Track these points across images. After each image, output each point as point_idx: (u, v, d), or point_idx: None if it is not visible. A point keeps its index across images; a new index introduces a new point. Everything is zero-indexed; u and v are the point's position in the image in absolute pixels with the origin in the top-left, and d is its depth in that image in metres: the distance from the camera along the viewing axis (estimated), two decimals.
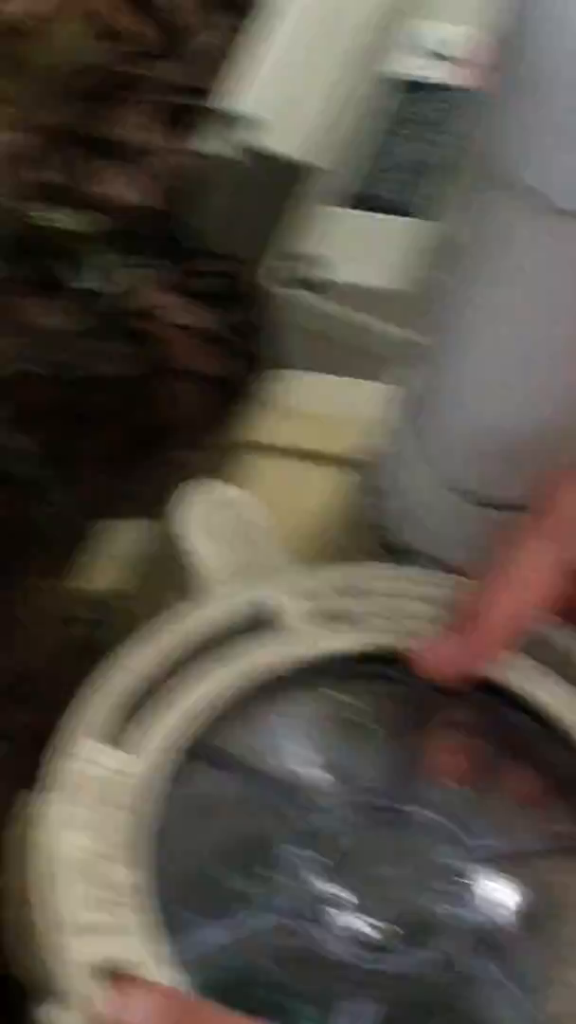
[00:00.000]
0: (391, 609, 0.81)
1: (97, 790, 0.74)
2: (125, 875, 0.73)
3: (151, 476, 1.35)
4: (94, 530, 1.19)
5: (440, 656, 0.79)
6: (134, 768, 0.75)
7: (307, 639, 0.80)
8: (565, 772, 0.79)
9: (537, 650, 0.81)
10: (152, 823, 0.74)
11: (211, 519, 0.88)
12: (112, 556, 1.17)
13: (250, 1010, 0.75)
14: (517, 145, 0.78)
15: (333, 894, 0.77)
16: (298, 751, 0.81)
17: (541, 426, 0.84)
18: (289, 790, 0.78)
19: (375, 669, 0.80)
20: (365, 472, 0.92)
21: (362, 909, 0.76)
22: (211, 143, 1.17)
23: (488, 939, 0.76)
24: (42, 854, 0.73)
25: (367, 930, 0.77)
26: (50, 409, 1.40)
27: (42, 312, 1.45)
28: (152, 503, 1.08)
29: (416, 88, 1.12)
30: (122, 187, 1.53)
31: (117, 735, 0.75)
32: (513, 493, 0.83)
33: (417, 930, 0.77)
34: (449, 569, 0.84)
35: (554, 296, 0.80)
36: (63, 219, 1.47)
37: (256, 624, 0.81)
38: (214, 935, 0.75)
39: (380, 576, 0.82)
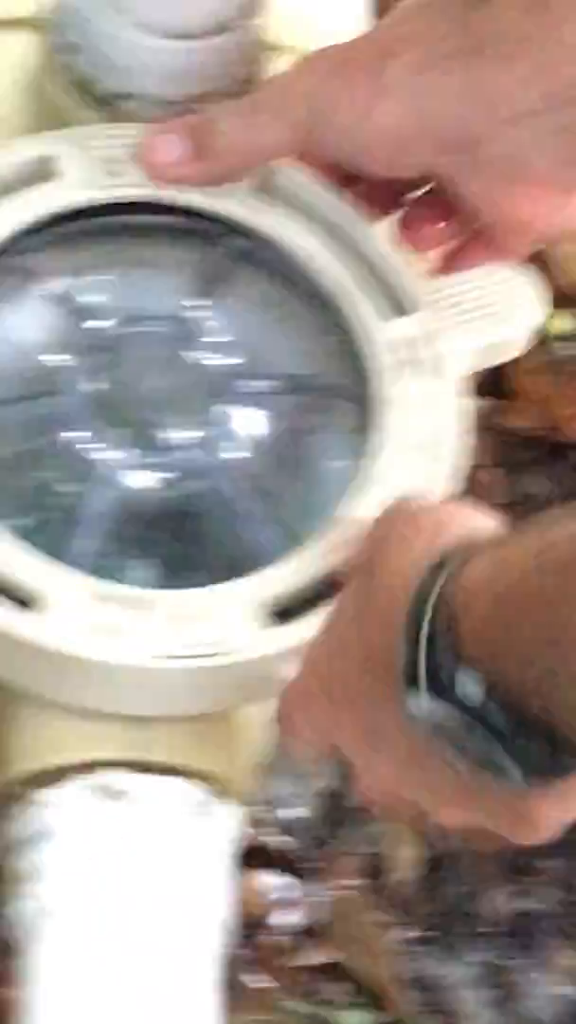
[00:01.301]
0: None
1: None
2: None
3: None
4: None
5: (171, 157, 0.87)
6: None
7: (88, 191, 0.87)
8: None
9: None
10: None
11: None
12: None
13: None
14: None
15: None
16: (79, 281, 0.88)
17: None
18: (76, 310, 0.86)
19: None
20: (56, 30, 0.92)
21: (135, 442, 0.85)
22: None
23: (246, 466, 0.85)
24: None
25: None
26: None
27: None
28: None
29: None
30: None
31: None
32: (192, 23, 0.88)
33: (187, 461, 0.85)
34: (160, 103, 0.89)
35: None
36: None
37: (42, 177, 0.87)
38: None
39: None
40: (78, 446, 0.84)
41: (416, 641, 0.71)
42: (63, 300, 0.87)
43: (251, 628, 0.79)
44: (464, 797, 0.75)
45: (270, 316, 0.90)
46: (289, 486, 0.87)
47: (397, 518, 0.79)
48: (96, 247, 0.90)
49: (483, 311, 0.89)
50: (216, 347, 0.87)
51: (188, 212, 0.89)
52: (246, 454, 0.86)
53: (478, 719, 0.70)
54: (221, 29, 0.88)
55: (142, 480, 0.84)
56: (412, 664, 0.71)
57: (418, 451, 0.83)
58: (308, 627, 0.78)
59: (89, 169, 0.88)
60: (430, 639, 0.70)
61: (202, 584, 0.81)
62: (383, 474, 0.83)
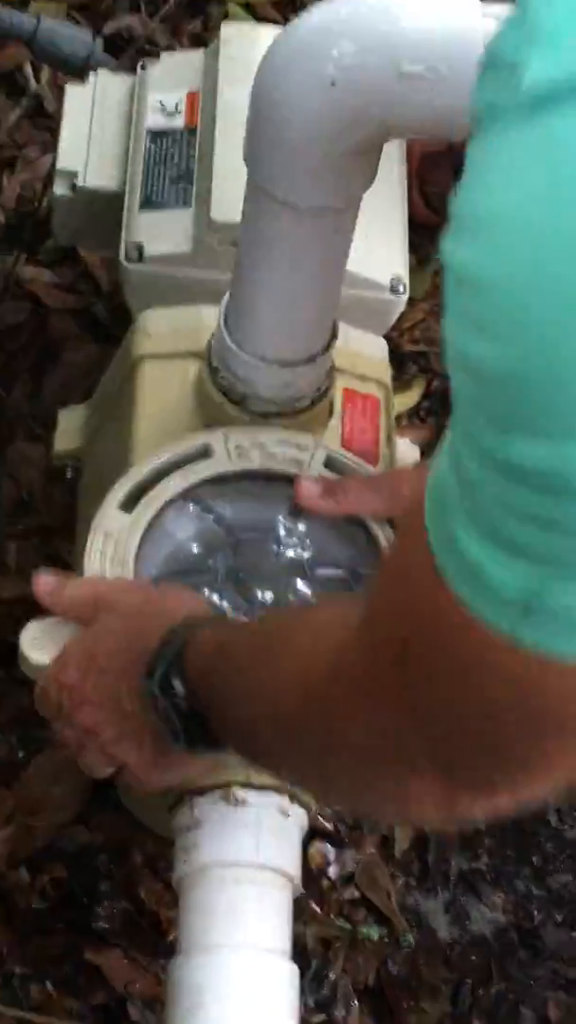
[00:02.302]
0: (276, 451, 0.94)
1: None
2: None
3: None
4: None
5: (313, 495, 0.93)
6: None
7: (230, 463, 0.94)
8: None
9: None
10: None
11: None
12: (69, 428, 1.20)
13: None
14: (249, 153, 0.83)
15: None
16: (228, 508, 0.94)
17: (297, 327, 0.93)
18: (218, 519, 0.93)
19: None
20: (211, 358, 0.96)
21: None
22: (57, 186, 1.15)
23: None
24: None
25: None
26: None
27: None
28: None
29: (157, 135, 1.10)
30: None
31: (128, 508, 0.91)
32: (296, 356, 0.93)
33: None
34: (276, 405, 0.96)
35: (290, 260, 0.87)
36: None
37: (203, 455, 0.94)
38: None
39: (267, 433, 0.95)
40: (212, 599, 0.91)
41: (160, 653, 0.77)
42: (211, 512, 0.94)
43: None
44: (151, 749, 0.80)
45: (331, 530, 0.94)
46: None
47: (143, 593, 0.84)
48: (234, 486, 0.95)
49: None
50: (297, 545, 0.94)
51: (283, 476, 0.95)
52: None
53: (174, 703, 0.76)
54: (309, 359, 0.93)
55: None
56: (153, 661, 0.77)
57: None
58: None
59: (224, 452, 0.94)
60: (169, 656, 0.77)
61: None
62: None
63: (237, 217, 0.91)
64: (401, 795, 0.63)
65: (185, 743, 0.79)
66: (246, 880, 0.86)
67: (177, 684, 0.77)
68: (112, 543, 0.91)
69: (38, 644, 0.88)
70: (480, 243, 0.46)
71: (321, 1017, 1.14)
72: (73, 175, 1.15)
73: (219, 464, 0.95)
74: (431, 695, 0.57)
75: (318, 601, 0.87)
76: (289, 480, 0.95)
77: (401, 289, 1.09)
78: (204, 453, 0.95)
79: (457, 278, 0.48)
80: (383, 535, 0.94)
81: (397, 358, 1.12)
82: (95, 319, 1.38)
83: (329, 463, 0.96)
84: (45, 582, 0.88)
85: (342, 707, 0.63)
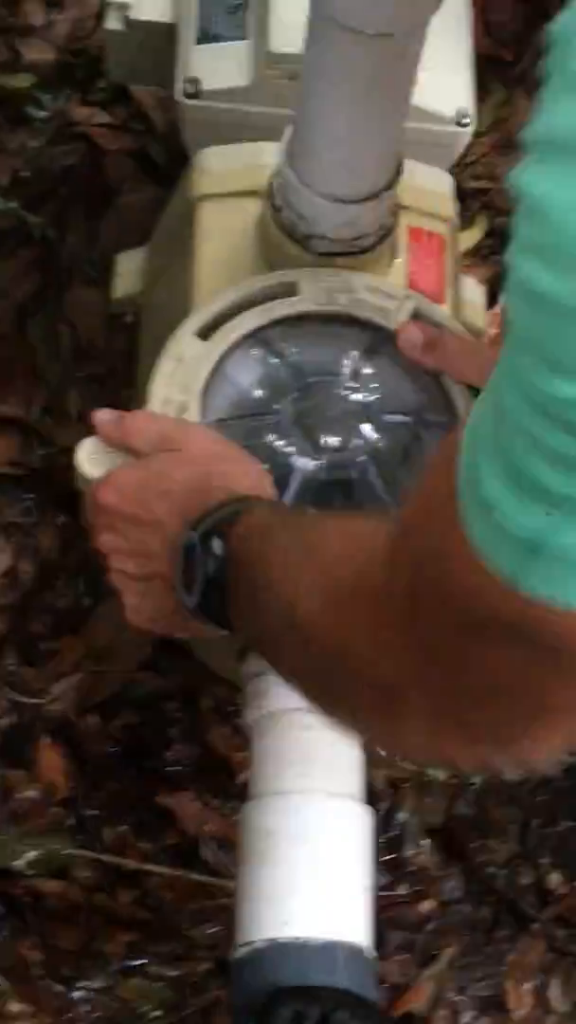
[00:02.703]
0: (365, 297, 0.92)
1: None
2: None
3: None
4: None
5: (415, 343, 0.91)
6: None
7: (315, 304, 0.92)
8: None
9: None
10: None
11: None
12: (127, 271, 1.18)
13: None
14: None
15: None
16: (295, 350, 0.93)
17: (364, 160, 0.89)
18: (287, 363, 0.92)
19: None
20: (273, 196, 0.94)
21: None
22: (109, 20, 1.11)
23: (378, 455, 0.90)
24: None
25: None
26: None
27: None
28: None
29: None
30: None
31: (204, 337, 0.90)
32: (361, 192, 0.90)
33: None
34: (339, 245, 0.93)
35: (355, 91, 0.83)
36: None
37: (290, 292, 0.93)
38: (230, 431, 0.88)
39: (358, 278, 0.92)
40: (277, 444, 0.90)
41: (213, 512, 0.76)
42: (279, 355, 0.92)
43: None
44: (157, 597, 0.81)
45: (401, 377, 0.93)
46: (402, 476, 0.90)
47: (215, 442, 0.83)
48: (304, 328, 0.93)
49: None
50: (365, 390, 0.92)
51: (362, 321, 0.93)
52: (378, 455, 0.90)
53: (206, 563, 0.75)
54: (373, 196, 0.90)
55: (314, 466, 0.89)
56: (204, 518, 0.77)
57: None
58: None
59: (313, 292, 0.93)
60: (221, 518, 0.76)
61: None
62: None
63: (296, 48, 0.88)
64: (392, 723, 0.63)
65: (198, 607, 0.78)
66: (317, 725, 0.84)
67: (217, 546, 0.76)
68: (183, 369, 0.89)
69: (95, 460, 0.87)
70: (557, 171, 0.44)
71: (391, 856, 1.15)
72: (126, 8, 1.11)
73: (304, 303, 0.92)
74: (433, 626, 0.56)
75: (361, 513, 0.85)
76: (365, 325, 0.93)
77: (466, 121, 1.07)
78: (289, 291, 0.93)
79: (529, 208, 0.46)
80: (455, 387, 0.92)
81: (459, 195, 1.06)
82: (151, 160, 1.34)
83: (418, 316, 0.94)
84: (105, 413, 0.86)
85: (357, 617, 0.62)
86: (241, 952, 0.80)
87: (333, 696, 0.68)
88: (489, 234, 1.38)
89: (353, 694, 0.65)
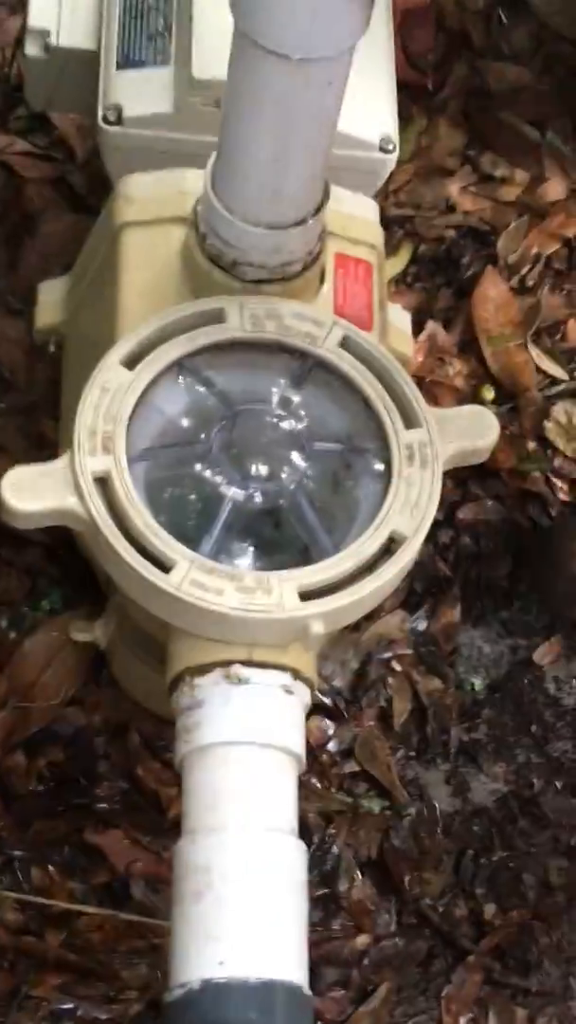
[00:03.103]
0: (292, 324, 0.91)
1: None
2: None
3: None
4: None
5: None
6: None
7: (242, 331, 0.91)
8: None
9: None
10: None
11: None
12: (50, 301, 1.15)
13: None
14: (236, 2, 0.78)
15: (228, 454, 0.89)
16: (222, 378, 0.92)
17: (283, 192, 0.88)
18: (215, 392, 0.90)
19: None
20: (199, 223, 0.92)
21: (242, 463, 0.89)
22: (29, 47, 1.09)
23: (308, 484, 0.88)
24: None
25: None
26: None
27: None
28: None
29: None
30: None
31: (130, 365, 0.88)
32: (287, 218, 0.89)
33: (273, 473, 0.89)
34: (266, 271, 0.91)
35: (280, 116, 0.82)
36: None
37: (216, 320, 0.91)
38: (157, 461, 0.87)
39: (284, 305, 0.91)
40: (205, 473, 0.89)
41: None
42: (206, 383, 0.91)
43: (295, 600, 0.83)
44: None
45: (330, 405, 0.92)
46: (332, 504, 0.90)
47: None
48: (231, 356, 0.92)
49: (462, 430, 0.91)
50: (294, 417, 0.91)
51: (290, 348, 0.92)
52: (307, 483, 0.89)
53: None
54: (300, 222, 0.89)
55: (243, 495, 0.88)
56: None
57: (412, 504, 0.87)
58: (329, 603, 0.83)
59: (240, 319, 0.91)
60: None
61: (278, 565, 0.86)
62: (390, 511, 0.86)
63: (220, 74, 0.87)
64: None
65: None
66: (250, 759, 0.84)
67: None
68: (109, 398, 0.88)
69: (19, 492, 0.85)
70: None
71: (325, 891, 1.14)
72: (46, 34, 1.10)
73: (231, 330, 0.91)
74: None
75: None
76: (293, 352, 0.92)
77: (391, 148, 1.07)
78: (216, 318, 0.92)
79: None
80: (384, 409, 0.91)
81: (383, 223, 1.06)
82: (71, 188, 1.33)
83: (345, 343, 0.93)
84: None
85: None
86: (175, 993, 0.78)
87: None
88: (414, 261, 1.38)
89: None
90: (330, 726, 1.18)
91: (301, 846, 0.83)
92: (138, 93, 1.03)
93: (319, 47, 0.79)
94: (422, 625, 1.24)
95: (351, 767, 1.17)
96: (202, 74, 1.00)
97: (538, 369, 1.34)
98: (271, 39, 0.78)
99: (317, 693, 1.05)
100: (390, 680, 1.21)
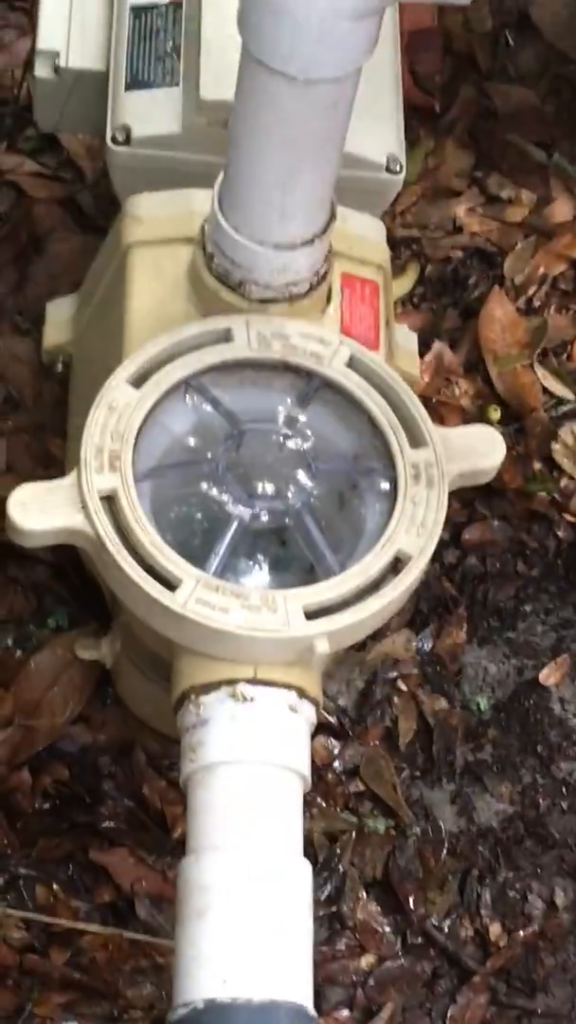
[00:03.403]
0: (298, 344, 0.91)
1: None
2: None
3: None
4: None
5: None
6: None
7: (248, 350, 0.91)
8: None
9: None
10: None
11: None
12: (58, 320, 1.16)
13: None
14: (244, 23, 0.78)
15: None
16: (229, 397, 0.92)
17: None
18: (222, 412, 0.91)
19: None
20: (207, 243, 0.92)
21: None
22: (39, 68, 1.09)
23: (313, 503, 0.89)
24: None
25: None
26: None
27: None
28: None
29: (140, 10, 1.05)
30: None
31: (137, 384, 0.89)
32: (295, 239, 0.89)
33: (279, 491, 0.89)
34: (273, 291, 0.91)
35: (287, 137, 0.82)
36: None
37: (223, 339, 0.92)
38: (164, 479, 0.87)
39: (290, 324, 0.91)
40: (211, 492, 0.89)
41: None
42: (213, 402, 0.91)
43: (300, 618, 0.83)
44: None
45: (336, 424, 0.92)
46: (338, 524, 0.90)
47: None
48: (238, 375, 0.92)
49: (468, 450, 0.91)
50: (300, 437, 0.92)
51: (296, 368, 0.92)
52: (313, 502, 0.89)
53: None
54: (307, 242, 0.89)
55: (249, 514, 0.88)
56: None
57: (418, 524, 0.87)
58: (334, 622, 0.83)
59: (247, 339, 0.92)
60: None
61: (283, 584, 0.86)
62: (396, 531, 0.86)
63: (227, 95, 0.87)
64: None
65: None
66: (255, 778, 0.84)
67: None
68: (116, 417, 0.88)
69: (27, 510, 0.85)
70: None
71: (330, 910, 1.13)
72: (55, 55, 1.10)
73: (238, 350, 0.92)
74: None
75: None
76: (299, 372, 0.92)
77: (398, 168, 1.07)
78: (223, 338, 0.92)
79: None
80: (390, 429, 0.91)
81: (390, 243, 1.06)
82: (80, 208, 1.33)
83: (352, 362, 0.93)
84: None
85: None
86: (179, 1013, 0.78)
87: None
88: (420, 282, 1.38)
89: None
90: (335, 745, 1.18)
91: (306, 865, 0.83)
92: (146, 113, 1.04)
93: (325, 68, 0.79)
94: (428, 645, 1.23)
95: (356, 786, 1.17)
96: (210, 95, 1.00)
97: (544, 390, 1.34)
98: (278, 60, 0.79)
99: (322, 712, 1.06)
100: (395, 700, 1.21)
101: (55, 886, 1.10)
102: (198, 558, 0.85)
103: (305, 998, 0.79)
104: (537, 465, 1.31)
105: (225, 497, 0.89)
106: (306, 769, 0.86)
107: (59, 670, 1.14)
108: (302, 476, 0.90)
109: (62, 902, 1.09)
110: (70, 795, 1.12)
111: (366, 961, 1.13)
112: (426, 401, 0.99)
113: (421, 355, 1.24)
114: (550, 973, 1.15)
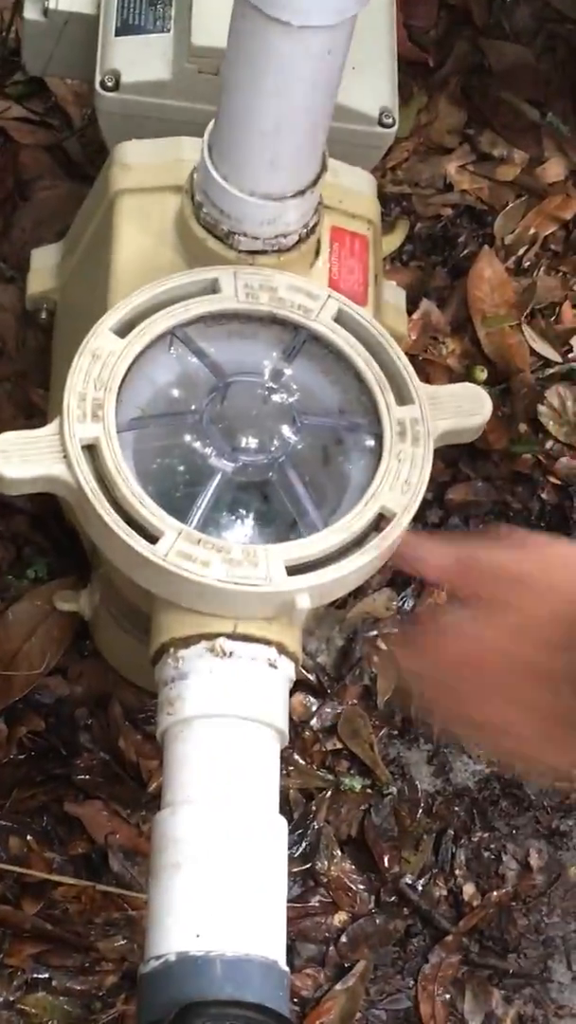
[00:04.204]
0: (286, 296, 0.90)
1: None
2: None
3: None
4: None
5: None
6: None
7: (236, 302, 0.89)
8: None
9: None
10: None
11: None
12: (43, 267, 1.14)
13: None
14: None
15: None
16: (214, 349, 0.90)
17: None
18: (208, 363, 0.89)
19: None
20: (194, 192, 0.91)
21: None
22: (28, 10, 1.08)
23: (298, 457, 0.87)
24: None
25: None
26: None
27: None
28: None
29: None
30: None
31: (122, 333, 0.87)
32: (285, 189, 0.88)
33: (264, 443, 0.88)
34: (261, 243, 0.90)
35: (280, 85, 0.81)
36: None
37: (210, 290, 0.90)
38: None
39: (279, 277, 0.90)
40: (195, 444, 0.88)
41: None
42: (198, 353, 0.90)
43: (282, 573, 0.82)
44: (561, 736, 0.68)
45: (322, 379, 0.91)
46: (322, 479, 0.89)
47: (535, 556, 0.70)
48: (224, 326, 0.91)
49: (454, 408, 0.90)
50: (286, 390, 0.90)
51: (283, 321, 0.90)
52: (297, 457, 0.88)
53: None
54: (297, 193, 0.88)
55: (232, 467, 0.87)
56: None
57: (402, 481, 0.86)
58: (316, 578, 0.82)
59: (234, 290, 0.90)
60: None
61: (266, 539, 0.86)
62: (380, 487, 0.85)
63: (219, 42, 0.85)
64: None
65: None
66: (233, 732, 0.83)
67: None
68: (99, 365, 0.87)
69: (10, 458, 0.84)
70: None
71: (304, 867, 1.13)
72: None
73: (225, 301, 0.90)
74: None
75: None
76: (286, 325, 0.91)
77: (390, 122, 1.06)
78: (210, 288, 0.91)
79: None
80: (376, 385, 0.90)
81: (380, 200, 1.05)
82: (67, 155, 1.32)
83: (339, 316, 0.92)
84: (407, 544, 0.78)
85: None
86: (151, 965, 0.77)
87: None
88: (410, 239, 1.38)
89: None
90: (313, 703, 1.17)
91: (282, 821, 0.83)
92: (137, 59, 1.02)
93: (321, 14, 0.78)
94: (409, 604, 1.23)
95: (333, 744, 1.17)
96: (202, 41, 0.99)
97: (532, 351, 1.34)
98: (273, 5, 0.77)
99: (301, 669, 1.06)
100: (375, 658, 1.20)
101: (29, 837, 1.09)
102: (180, 511, 0.84)
103: (278, 954, 0.78)
104: (523, 427, 1.30)
105: (208, 450, 0.88)
106: (284, 725, 0.85)
107: (37, 621, 1.14)
108: (287, 430, 0.89)
109: (36, 853, 1.09)
110: (46, 747, 1.12)
111: (339, 918, 1.13)
112: (413, 359, 0.98)
113: (409, 313, 1.23)
114: (523, 934, 1.15)
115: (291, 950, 0.90)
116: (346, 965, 1.12)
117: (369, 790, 1.17)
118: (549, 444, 1.30)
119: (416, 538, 0.80)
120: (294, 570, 0.83)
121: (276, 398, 0.91)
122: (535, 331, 1.35)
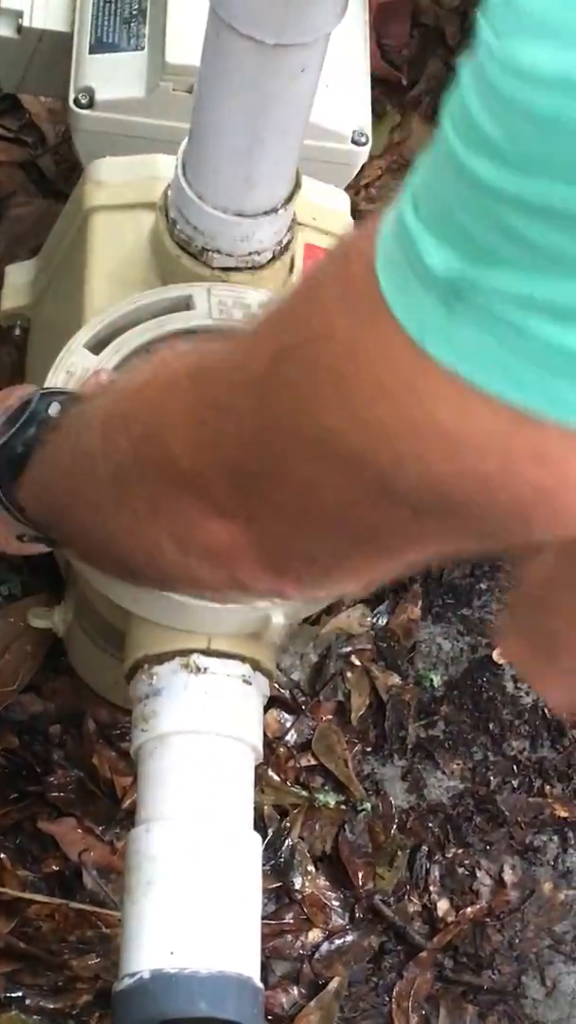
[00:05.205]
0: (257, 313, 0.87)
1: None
2: None
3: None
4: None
5: None
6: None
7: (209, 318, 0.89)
8: None
9: None
10: None
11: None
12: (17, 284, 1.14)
13: None
14: None
15: None
16: None
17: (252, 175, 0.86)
18: None
19: None
20: (169, 209, 0.91)
21: None
22: (1, 27, 1.07)
23: None
24: None
25: None
26: None
27: None
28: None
29: None
30: None
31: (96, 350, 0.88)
32: (258, 207, 0.88)
33: None
34: (235, 260, 0.90)
35: (254, 102, 0.81)
36: None
37: (184, 306, 0.91)
38: None
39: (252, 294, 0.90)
40: None
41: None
42: None
43: None
44: None
45: None
46: None
47: None
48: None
49: None
50: None
51: None
52: None
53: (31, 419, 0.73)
54: (271, 210, 0.88)
55: None
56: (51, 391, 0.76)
57: None
58: None
59: (208, 307, 0.90)
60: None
61: None
62: None
63: (193, 60, 0.86)
64: (194, 535, 0.58)
65: None
66: (207, 749, 0.83)
67: (53, 408, 0.74)
68: (73, 383, 0.87)
69: None
70: None
71: (278, 884, 1.13)
72: (19, 15, 1.09)
73: (198, 318, 0.90)
74: (287, 407, 0.51)
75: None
76: None
77: (364, 140, 1.06)
78: (184, 305, 0.91)
79: None
80: None
81: (353, 217, 1.05)
82: (41, 172, 1.33)
83: None
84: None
85: (186, 395, 0.58)
86: (125, 983, 0.78)
87: (141, 529, 0.62)
88: None
89: (154, 512, 0.60)
90: (288, 719, 1.18)
91: (256, 838, 0.83)
92: (110, 77, 1.03)
93: (294, 33, 0.78)
94: (382, 620, 1.23)
95: (308, 760, 1.17)
96: (176, 59, 0.99)
97: None
98: (246, 23, 0.78)
99: (275, 685, 1.07)
100: (349, 675, 1.21)
101: (2, 855, 1.09)
102: None
103: (252, 970, 0.78)
104: None
105: None
106: (258, 741, 0.86)
107: (11, 638, 1.13)
108: None
109: (9, 871, 1.09)
110: (19, 764, 1.12)
111: (314, 935, 1.13)
112: None
113: None
114: (497, 950, 1.16)
115: (265, 967, 0.90)
116: (320, 982, 1.12)
117: (343, 806, 1.17)
118: None
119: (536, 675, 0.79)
120: None
121: None
122: None
